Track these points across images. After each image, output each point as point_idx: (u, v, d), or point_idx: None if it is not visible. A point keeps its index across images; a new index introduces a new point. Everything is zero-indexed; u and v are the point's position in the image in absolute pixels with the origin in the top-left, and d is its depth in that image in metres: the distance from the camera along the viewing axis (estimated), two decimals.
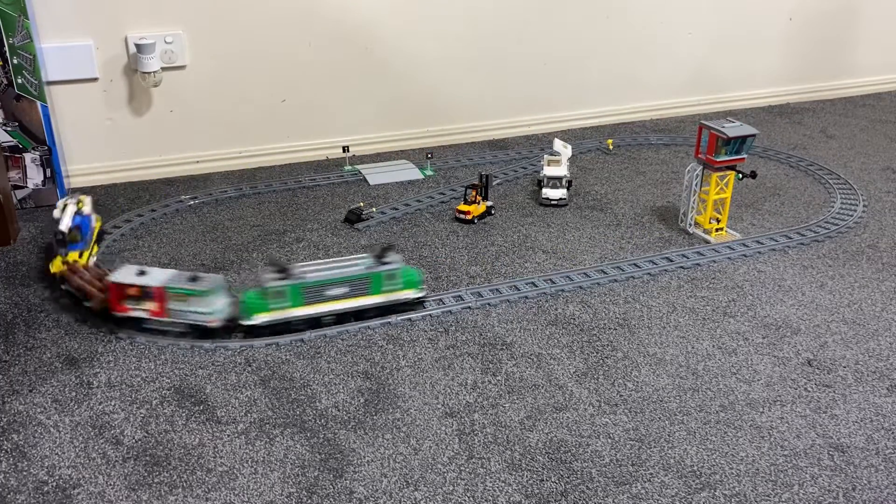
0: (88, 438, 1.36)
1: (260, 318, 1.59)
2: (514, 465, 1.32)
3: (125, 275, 1.58)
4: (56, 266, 1.76)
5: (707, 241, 2.04)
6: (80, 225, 1.80)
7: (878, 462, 1.33)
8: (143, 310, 1.58)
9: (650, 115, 2.95)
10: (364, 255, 1.69)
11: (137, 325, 1.61)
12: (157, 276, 1.58)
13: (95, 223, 1.92)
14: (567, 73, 2.78)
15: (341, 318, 1.66)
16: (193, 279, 1.58)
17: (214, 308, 1.57)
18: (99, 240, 1.93)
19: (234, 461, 1.32)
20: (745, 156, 2.00)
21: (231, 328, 1.61)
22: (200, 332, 1.60)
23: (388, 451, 1.34)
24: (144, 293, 1.56)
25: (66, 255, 1.75)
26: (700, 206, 2.08)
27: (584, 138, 2.74)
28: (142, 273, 1.58)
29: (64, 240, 1.74)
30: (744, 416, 1.43)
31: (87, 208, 1.86)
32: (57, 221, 1.77)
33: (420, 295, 1.70)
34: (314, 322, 1.64)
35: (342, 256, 1.74)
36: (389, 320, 1.68)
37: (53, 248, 1.78)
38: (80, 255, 1.77)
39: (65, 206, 1.81)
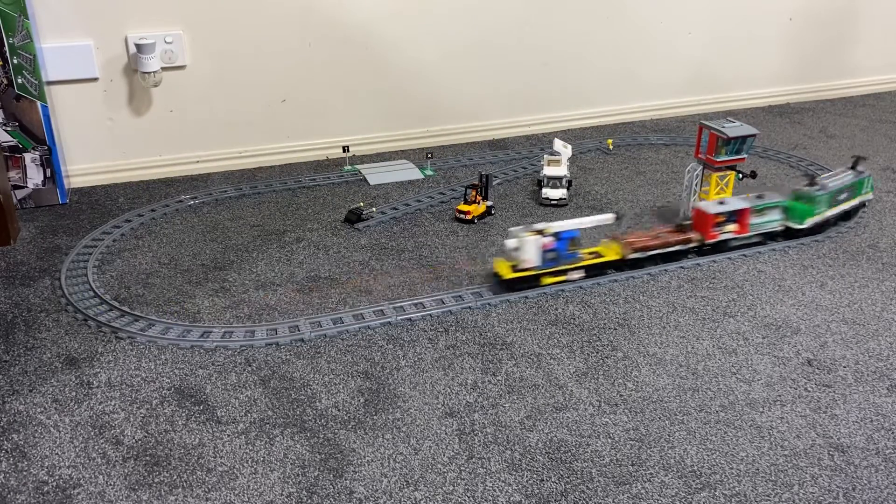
0: (88, 438, 1.36)
1: (810, 222, 2.01)
2: (514, 465, 1.32)
3: (709, 206, 1.93)
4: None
5: None
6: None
7: (878, 462, 1.33)
8: (729, 231, 1.95)
9: (650, 115, 2.95)
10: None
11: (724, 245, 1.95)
12: (733, 203, 1.95)
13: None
14: (567, 73, 2.78)
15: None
16: (761, 196, 1.97)
17: (779, 217, 2.01)
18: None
19: (234, 461, 1.32)
20: (745, 156, 2.00)
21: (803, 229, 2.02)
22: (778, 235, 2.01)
23: (388, 451, 1.34)
24: (729, 218, 1.94)
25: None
26: None
27: (584, 138, 2.74)
28: (721, 203, 1.94)
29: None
30: (744, 416, 1.43)
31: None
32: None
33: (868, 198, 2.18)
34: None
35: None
36: (389, 320, 1.69)
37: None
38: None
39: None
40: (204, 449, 1.34)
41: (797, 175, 2.18)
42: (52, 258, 1.92)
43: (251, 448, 1.35)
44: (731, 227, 1.94)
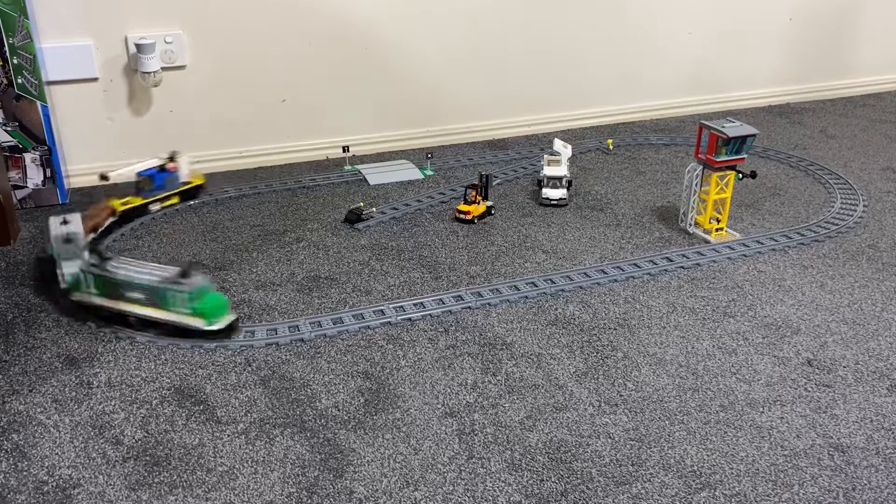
0: (88, 438, 1.36)
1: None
2: (514, 465, 1.32)
3: None
4: (116, 204, 2.04)
5: (707, 241, 2.04)
6: (153, 176, 2.11)
7: (878, 462, 1.34)
8: None
9: (650, 115, 2.95)
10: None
11: None
12: None
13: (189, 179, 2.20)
14: (567, 73, 2.78)
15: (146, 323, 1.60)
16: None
17: None
18: (191, 196, 2.21)
19: (234, 461, 1.32)
20: (745, 156, 2.00)
21: None
22: None
23: (388, 451, 1.34)
24: None
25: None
26: (700, 206, 2.08)
27: (584, 138, 2.74)
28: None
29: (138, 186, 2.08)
30: (744, 416, 1.43)
31: (175, 165, 2.16)
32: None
33: (212, 328, 1.55)
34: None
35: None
36: (389, 320, 1.69)
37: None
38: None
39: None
40: (204, 449, 1.34)
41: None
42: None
43: (251, 448, 1.35)
44: None
